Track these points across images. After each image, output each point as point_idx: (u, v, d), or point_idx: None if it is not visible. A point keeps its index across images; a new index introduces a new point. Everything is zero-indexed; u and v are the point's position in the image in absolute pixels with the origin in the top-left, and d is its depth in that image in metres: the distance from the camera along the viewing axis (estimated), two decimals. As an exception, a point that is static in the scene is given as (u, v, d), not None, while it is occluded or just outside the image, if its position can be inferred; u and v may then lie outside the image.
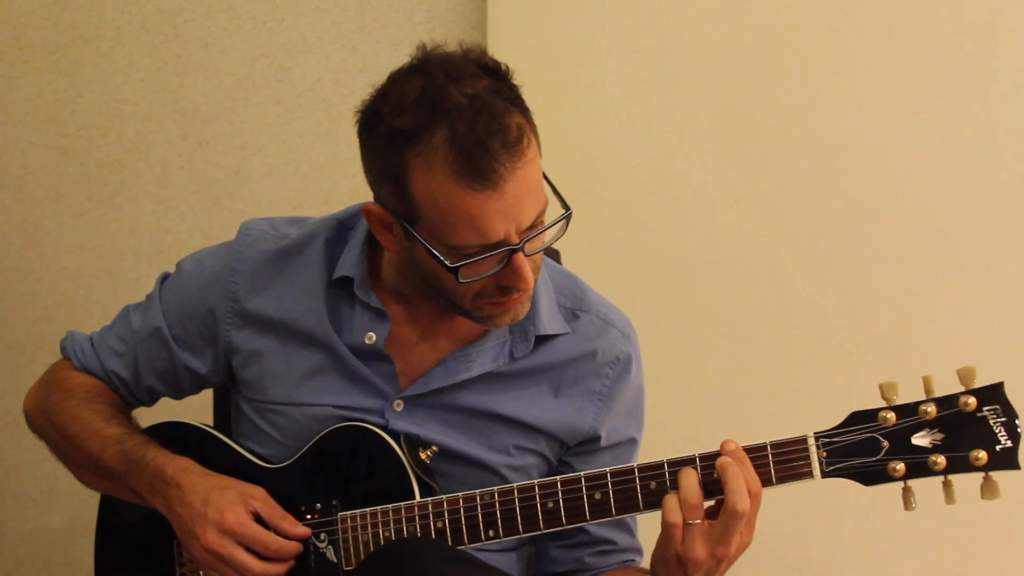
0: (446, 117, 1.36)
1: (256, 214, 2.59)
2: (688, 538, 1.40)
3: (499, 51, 2.35)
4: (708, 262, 2.33)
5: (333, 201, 2.51)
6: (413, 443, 1.58)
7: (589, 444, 1.65)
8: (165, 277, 1.72)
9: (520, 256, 1.41)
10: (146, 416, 1.73)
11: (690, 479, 1.42)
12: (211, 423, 1.84)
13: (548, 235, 1.46)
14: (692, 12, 2.33)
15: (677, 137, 2.34)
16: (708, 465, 1.42)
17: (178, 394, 1.73)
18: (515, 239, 1.40)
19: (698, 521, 1.40)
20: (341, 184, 2.58)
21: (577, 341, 1.62)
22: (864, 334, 2.26)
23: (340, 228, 1.64)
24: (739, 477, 1.39)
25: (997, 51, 2.22)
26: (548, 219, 1.45)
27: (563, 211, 1.44)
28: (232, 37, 2.59)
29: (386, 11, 2.55)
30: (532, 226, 1.42)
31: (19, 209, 2.67)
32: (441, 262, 1.41)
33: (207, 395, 1.87)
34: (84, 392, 1.68)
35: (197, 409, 1.85)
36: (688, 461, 1.44)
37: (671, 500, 1.42)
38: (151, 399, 1.74)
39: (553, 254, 1.83)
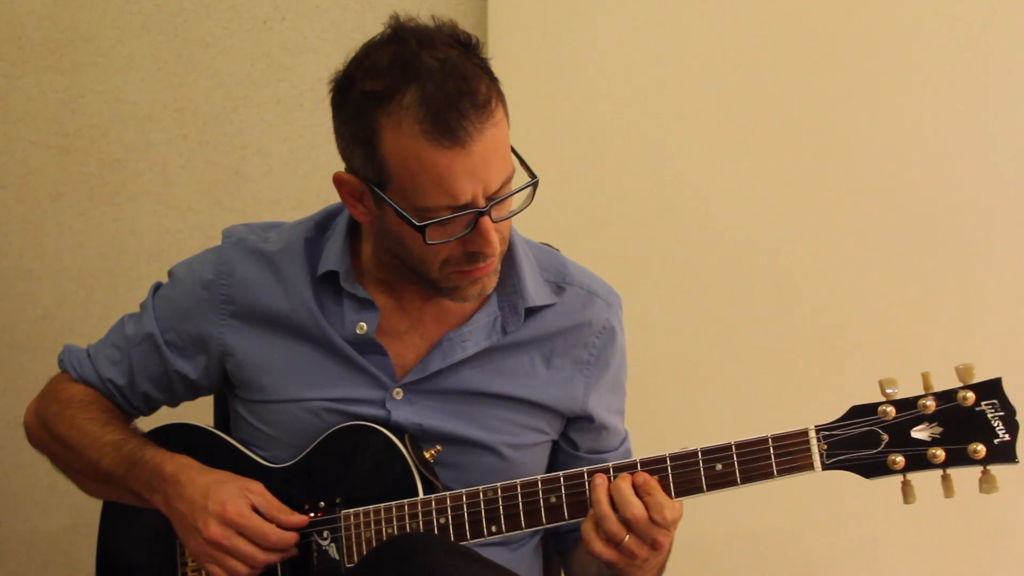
0: (417, 78, 1.40)
1: (256, 214, 2.60)
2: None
3: (499, 51, 2.36)
4: (712, 259, 2.34)
5: (333, 201, 2.50)
6: (417, 442, 1.59)
7: (584, 421, 1.67)
8: (158, 286, 1.73)
9: (487, 220, 1.44)
10: (148, 424, 1.74)
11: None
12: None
13: (514, 203, 1.48)
14: (692, 11, 2.34)
15: (678, 135, 2.35)
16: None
17: (173, 401, 1.74)
18: (482, 202, 1.43)
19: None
20: (341, 184, 2.58)
21: (565, 312, 1.64)
22: (864, 331, 2.27)
23: (318, 228, 1.66)
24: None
25: (996, 51, 2.23)
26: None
27: (529, 179, 1.47)
28: (232, 37, 2.60)
29: (386, 11, 2.53)
30: (498, 193, 1.44)
31: (19, 209, 2.67)
32: (409, 221, 1.44)
33: (207, 404, 1.87)
34: (79, 401, 1.69)
35: (197, 416, 1.85)
36: (690, 455, 1.45)
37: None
38: (148, 407, 1.75)
39: (552, 253, 1.84)
